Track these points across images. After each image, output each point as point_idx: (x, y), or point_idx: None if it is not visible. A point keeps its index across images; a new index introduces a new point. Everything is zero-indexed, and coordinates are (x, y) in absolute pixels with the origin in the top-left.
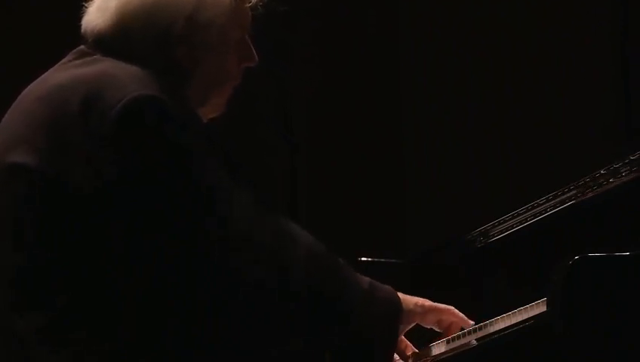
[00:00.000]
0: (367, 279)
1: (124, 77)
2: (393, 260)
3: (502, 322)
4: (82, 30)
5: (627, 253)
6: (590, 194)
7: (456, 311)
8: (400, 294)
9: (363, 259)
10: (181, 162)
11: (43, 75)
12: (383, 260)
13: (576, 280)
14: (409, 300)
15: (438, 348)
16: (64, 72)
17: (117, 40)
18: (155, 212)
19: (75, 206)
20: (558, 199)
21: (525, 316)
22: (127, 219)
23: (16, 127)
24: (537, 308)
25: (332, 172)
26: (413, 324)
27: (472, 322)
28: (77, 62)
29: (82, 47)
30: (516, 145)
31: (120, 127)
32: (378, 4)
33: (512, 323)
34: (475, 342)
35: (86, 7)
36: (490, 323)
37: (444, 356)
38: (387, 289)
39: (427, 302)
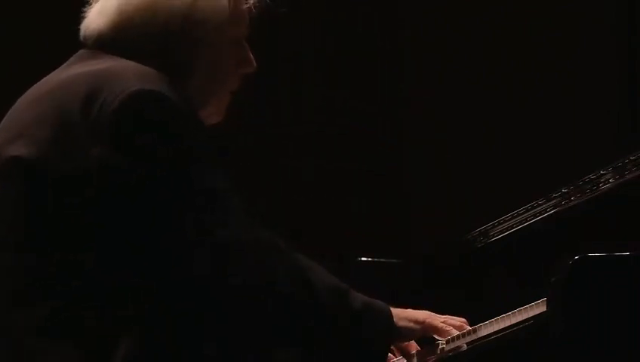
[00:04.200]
0: (360, 299)
1: (127, 72)
2: (393, 260)
3: (502, 322)
4: (81, 34)
5: (627, 253)
6: (590, 194)
7: (450, 326)
8: (396, 310)
9: (363, 259)
10: (180, 161)
11: (47, 76)
12: (383, 260)
13: (576, 280)
14: (403, 316)
15: (438, 349)
16: (67, 71)
17: (117, 39)
18: (146, 210)
19: (71, 199)
20: (558, 199)
21: (525, 316)
22: (120, 214)
23: (18, 122)
24: (537, 308)
25: (333, 171)
26: (409, 340)
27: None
28: (81, 62)
29: (84, 50)
30: (517, 145)
31: (118, 120)
32: (380, 7)
33: (512, 323)
34: (474, 342)
35: (85, 13)
36: (490, 324)
37: (443, 356)
38: (380, 309)
39: (428, 319)
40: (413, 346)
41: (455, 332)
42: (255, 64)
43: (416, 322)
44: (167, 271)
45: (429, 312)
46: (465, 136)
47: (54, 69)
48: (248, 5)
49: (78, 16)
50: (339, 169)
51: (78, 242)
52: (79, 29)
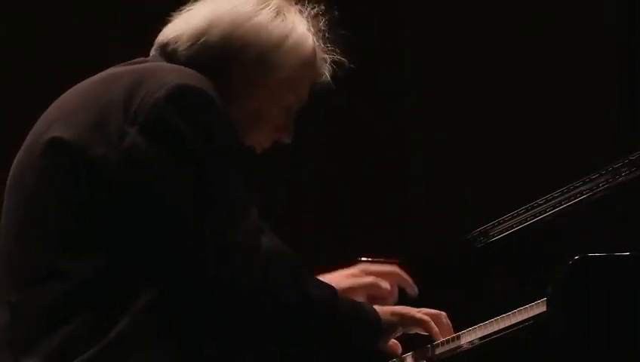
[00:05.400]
0: (348, 302)
1: (174, 70)
2: (393, 260)
3: (502, 322)
4: (158, 37)
5: (627, 253)
6: (590, 194)
7: (432, 324)
8: (377, 307)
9: (363, 258)
10: (208, 158)
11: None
12: (383, 260)
13: (576, 280)
14: (386, 311)
15: (438, 349)
16: (113, 70)
17: (187, 51)
18: (165, 200)
19: (97, 189)
20: (558, 199)
21: (525, 316)
22: (139, 206)
23: (60, 111)
24: (537, 308)
25: (334, 171)
26: (396, 334)
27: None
28: (128, 65)
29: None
30: (517, 145)
31: (158, 109)
32: (380, 7)
33: (512, 323)
34: (475, 342)
35: (170, 18)
36: (490, 323)
37: (443, 356)
38: (367, 309)
39: (405, 311)
40: (398, 347)
41: (435, 329)
42: (291, 138)
43: (392, 314)
44: (176, 267)
45: (405, 307)
46: (465, 136)
47: (54, 69)
48: (314, 82)
49: (77, 17)
50: (339, 169)
51: (91, 237)
52: (79, 29)
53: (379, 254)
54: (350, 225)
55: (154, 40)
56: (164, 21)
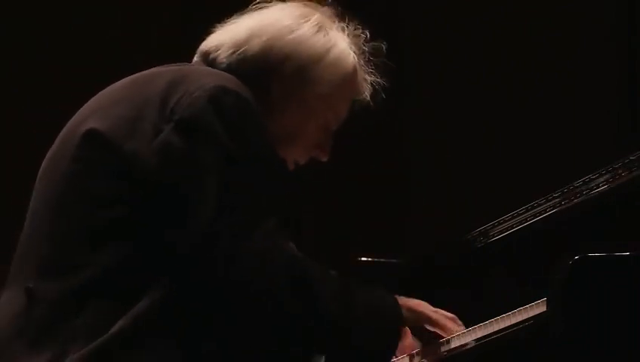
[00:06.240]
0: (370, 296)
1: (213, 73)
2: (393, 260)
3: (502, 322)
4: (200, 46)
5: (627, 253)
6: (590, 194)
7: (448, 321)
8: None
9: (363, 259)
10: (238, 159)
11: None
12: (383, 260)
13: (576, 280)
14: (403, 305)
15: (438, 348)
16: (157, 69)
17: (229, 55)
18: (186, 201)
19: (131, 178)
20: (558, 199)
21: (525, 316)
22: (168, 199)
23: (100, 102)
24: (537, 308)
25: (334, 172)
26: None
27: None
28: (169, 66)
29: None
30: (517, 145)
31: (195, 108)
32: (380, 7)
33: (512, 323)
34: (474, 342)
35: (214, 29)
36: (490, 323)
37: (443, 356)
38: (389, 305)
39: (420, 307)
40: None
41: (450, 326)
42: (327, 156)
43: (409, 310)
44: (188, 266)
45: (420, 301)
46: (465, 136)
47: (54, 69)
48: (353, 100)
49: (77, 17)
50: (339, 169)
51: (115, 231)
52: (79, 29)
53: (379, 254)
54: (350, 225)
55: (153, 41)
56: (164, 22)
